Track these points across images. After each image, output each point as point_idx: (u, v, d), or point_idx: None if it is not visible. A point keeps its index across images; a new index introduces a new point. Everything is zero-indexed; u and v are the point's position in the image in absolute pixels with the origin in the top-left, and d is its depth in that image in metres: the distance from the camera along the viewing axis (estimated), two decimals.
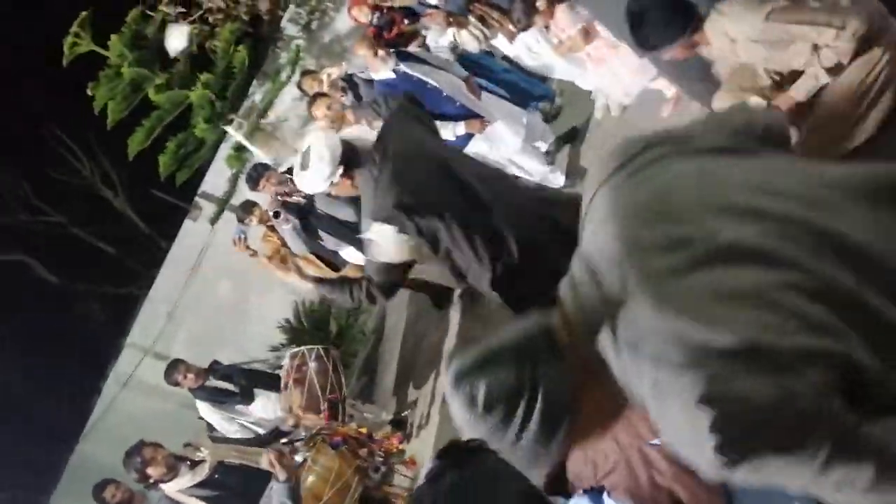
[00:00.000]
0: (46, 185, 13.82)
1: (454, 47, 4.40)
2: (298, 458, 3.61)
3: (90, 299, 13.45)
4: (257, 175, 4.82)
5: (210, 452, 3.99)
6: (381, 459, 4.00)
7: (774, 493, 1.29)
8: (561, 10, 3.77)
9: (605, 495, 1.35)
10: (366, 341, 7.21)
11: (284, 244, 4.92)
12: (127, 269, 12.53)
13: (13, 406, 11.39)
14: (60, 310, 13.08)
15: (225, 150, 7.36)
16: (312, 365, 5.16)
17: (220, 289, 7.96)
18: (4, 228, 13.39)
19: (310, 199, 4.73)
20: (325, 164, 2.56)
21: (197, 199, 7.89)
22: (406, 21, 4.79)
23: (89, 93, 7.15)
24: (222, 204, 7.12)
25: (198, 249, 7.99)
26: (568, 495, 1.36)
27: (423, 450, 4.54)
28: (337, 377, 5.18)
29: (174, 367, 5.29)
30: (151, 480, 3.76)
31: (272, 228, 5.13)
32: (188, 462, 3.87)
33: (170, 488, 3.78)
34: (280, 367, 5.41)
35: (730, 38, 2.30)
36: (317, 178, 2.60)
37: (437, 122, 4.09)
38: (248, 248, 5.18)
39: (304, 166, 2.61)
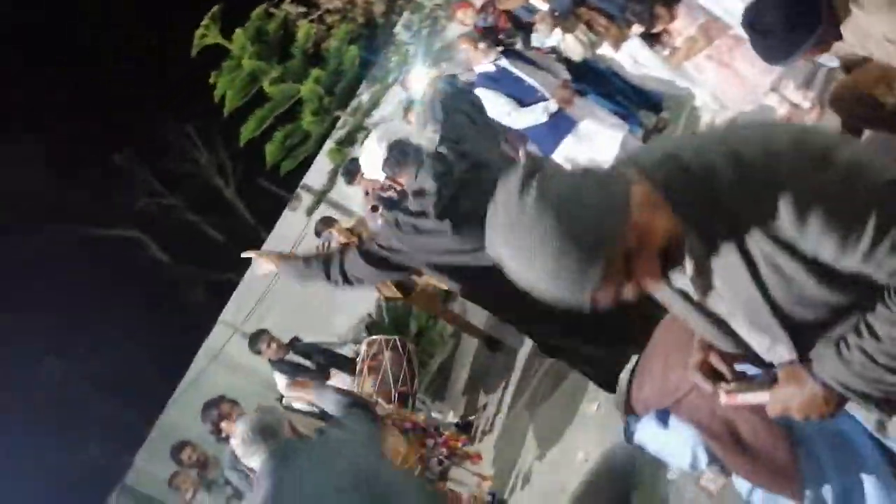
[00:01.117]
0: (167, 171, 14.86)
1: (557, 52, 4.37)
2: None
3: (194, 281, 14.25)
4: (354, 169, 5.00)
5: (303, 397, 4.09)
6: (443, 453, 3.98)
7: (842, 440, 1.28)
8: (681, 11, 3.65)
9: (670, 417, 1.53)
10: (443, 345, 7.24)
11: None
12: (229, 256, 13.19)
13: (112, 370, 12.22)
14: (167, 286, 13.94)
15: (329, 144, 7.64)
16: (388, 354, 5.23)
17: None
18: (127, 207, 14.47)
19: (402, 193, 4.87)
20: (374, 151, 2.65)
21: (298, 190, 8.22)
22: (510, 24, 4.82)
23: (211, 81, 7.62)
24: (320, 196, 7.38)
25: (293, 239, 8.31)
26: (637, 417, 1.57)
27: (484, 455, 4.50)
28: (410, 370, 5.22)
29: (259, 336, 5.52)
30: (223, 435, 3.93)
31: (349, 233, 5.38)
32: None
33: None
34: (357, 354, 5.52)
35: (864, 33, 2.12)
36: (369, 162, 2.68)
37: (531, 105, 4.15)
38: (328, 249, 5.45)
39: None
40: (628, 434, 1.69)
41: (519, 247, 0.99)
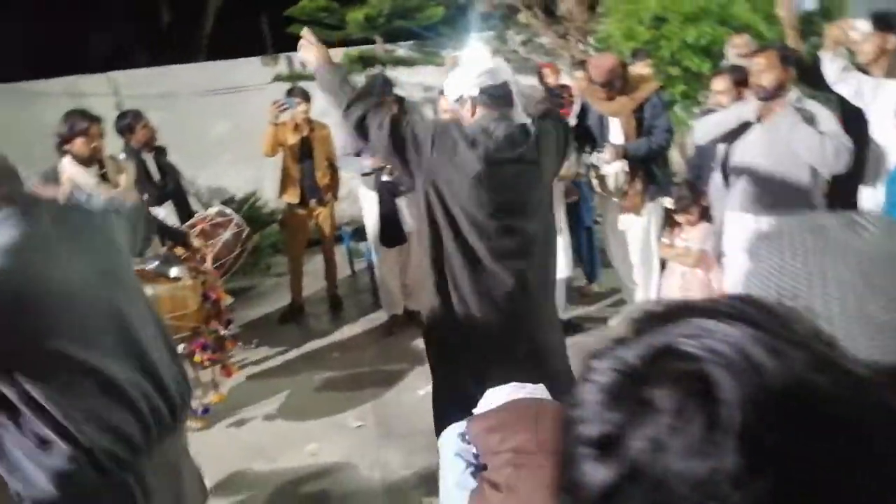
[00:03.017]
0: None
1: (594, 166, 4.49)
2: (173, 272, 3.30)
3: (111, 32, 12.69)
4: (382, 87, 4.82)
5: (125, 180, 3.66)
6: (212, 340, 3.67)
7: None
8: (702, 226, 3.87)
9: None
10: (261, 274, 6.91)
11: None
12: (164, 49, 11.87)
13: None
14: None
15: (350, 51, 7.30)
16: (228, 234, 4.87)
17: (219, 123, 7.69)
18: None
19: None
20: (465, 81, 2.53)
21: (285, 55, 7.77)
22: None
23: None
24: (297, 77, 6.98)
25: (238, 84, 7.80)
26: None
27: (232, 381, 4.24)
28: (233, 263, 4.87)
29: (138, 116, 5.00)
30: (65, 149, 3.44)
31: (297, 128, 5.26)
32: (101, 167, 3.55)
33: (69, 168, 3.43)
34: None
35: None
36: (455, 83, 2.57)
37: None
38: (279, 113, 5.16)
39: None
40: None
41: None
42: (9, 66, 8.05)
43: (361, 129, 2.56)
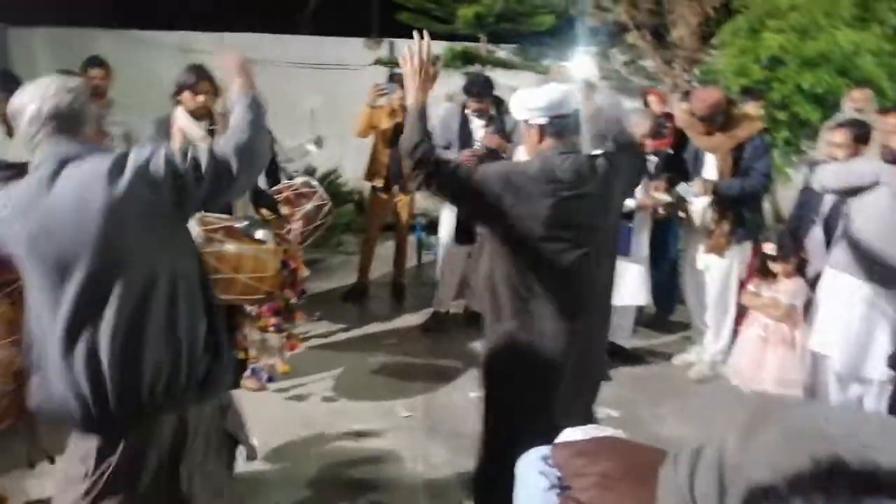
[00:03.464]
0: None
1: (681, 198, 4.39)
2: (259, 234, 3.37)
3: None
4: (482, 87, 4.77)
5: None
6: (283, 307, 3.74)
7: None
8: (797, 280, 3.72)
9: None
10: (331, 250, 7.02)
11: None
12: (277, 14, 12.07)
13: None
14: None
15: (454, 45, 7.34)
16: (310, 206, 4.95)
17: (312, 96, 7.84)
18: None
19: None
20: (535, 105, 2.43)
21: (386, 40, 7.88)
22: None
23: None
24: (395, 64, 7.05)
25: (337, 61, 7.96)
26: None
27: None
28: (310, 235, 4.96)
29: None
30: (178, 100, 3.56)
31: (392, 113, 5.28)
32: (211, 122, 3.66)
33: (180, 118, 3.56)
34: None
35: None
36: (525, 103, 2.49)
37: None
38: (378, 97, 5.23)
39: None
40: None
41: None
42: (127, 15, 8.43)
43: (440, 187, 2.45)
